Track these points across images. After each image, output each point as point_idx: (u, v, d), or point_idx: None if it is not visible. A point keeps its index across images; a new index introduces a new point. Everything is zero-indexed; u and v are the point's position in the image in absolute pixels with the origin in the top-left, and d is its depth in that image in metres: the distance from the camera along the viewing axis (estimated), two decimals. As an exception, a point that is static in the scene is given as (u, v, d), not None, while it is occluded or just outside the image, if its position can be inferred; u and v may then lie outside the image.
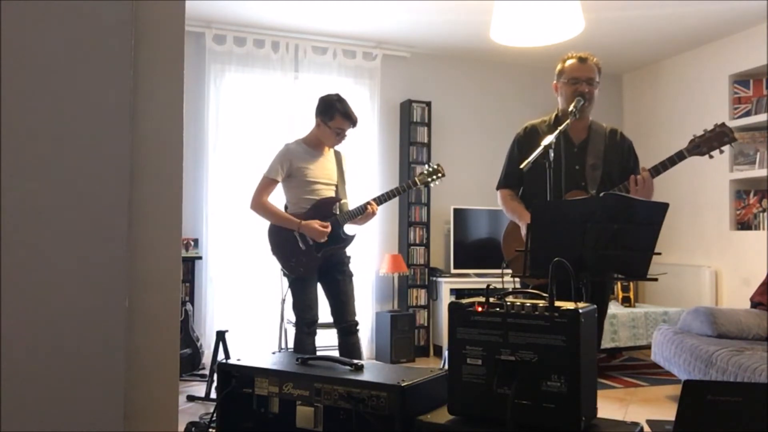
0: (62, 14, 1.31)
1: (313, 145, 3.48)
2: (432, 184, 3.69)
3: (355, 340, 3.45)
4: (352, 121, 3.44)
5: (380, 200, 3.51)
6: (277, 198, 3.52)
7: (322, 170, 3.45)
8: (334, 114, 3.41)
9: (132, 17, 1.37)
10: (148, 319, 1.40)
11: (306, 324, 3.38)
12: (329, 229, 3.35)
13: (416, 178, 3.63)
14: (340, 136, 3.44)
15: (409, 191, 3.71)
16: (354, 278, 3.54)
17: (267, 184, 3.44)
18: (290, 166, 3.41)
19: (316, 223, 3.33)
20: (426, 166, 3.71)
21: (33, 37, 1.29)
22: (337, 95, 3.50)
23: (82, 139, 1.32)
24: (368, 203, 3.45)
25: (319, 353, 3.32)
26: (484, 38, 5.07)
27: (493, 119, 6.18)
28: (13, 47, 1.27)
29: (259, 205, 3.44)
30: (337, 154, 3.57)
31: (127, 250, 1.35)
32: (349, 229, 3.50)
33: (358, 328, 3.47)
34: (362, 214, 3.45)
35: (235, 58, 5.35)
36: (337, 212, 3.43)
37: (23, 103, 1.28)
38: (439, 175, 3.65)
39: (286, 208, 3.50)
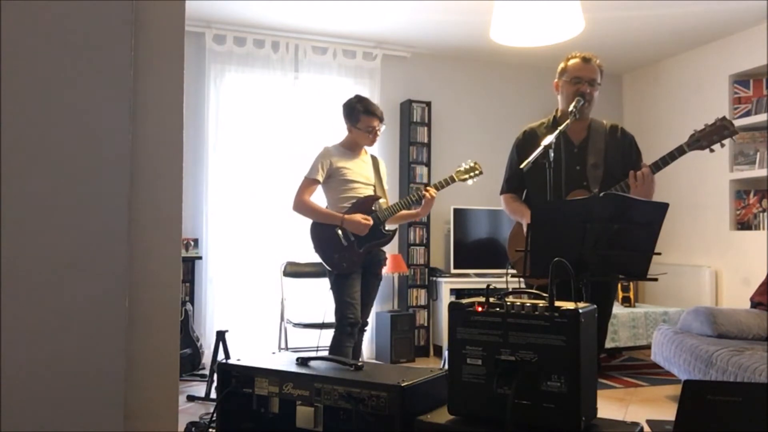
0: (62, 14, 1.31)
1: (350, 147, 3.57)
2: (470, 182, 3.65)
3: (361, 338, 3.59)
4: (377, 116, 3.52)
5: (437, 187, 3.54)
6: (317, 201, 3.58)
7: (361, 170, 3.54)
8: (358, 116, 3.50)
9: (132, 17, 1.37)
10: (148, 319, 1.41)
11: (349, 324, 3.41)
12: (371, 223, 3.41)
13: (453, 175, 3.62)
14: (372, 133, 3.52)
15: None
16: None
17: (308, 185, 3.50)
18: (330, 167, 3.48)
19: (358, 216, 3.40)
20: (463, 163, 3.68)
21: (33, 37, 1.29)
22: (357, 97, 3.59)
23: (82, 140, 1.32)
24: (425, 189, 3.48)
25: (316, 353, 3.34)
26: (484, 38, 5.07)
27: (493, 119, 6.18)
28: (14, 47, 1.27)
29: (302, 204, 3.48)
30: (374, 160, 3.66)
31: (127, 250, 1.35)
32: (389, 225, 3.56)
33: (367, 327, 3.61)
34: (411, 204, 3.50)
35: (235, 58, 5.35)
36: (377, 209, 3.49)
37: (23, 103, 1.28)
38: (477, 172, 3.64)
39: None
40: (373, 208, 3.49)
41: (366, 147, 3.62)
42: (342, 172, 3.48)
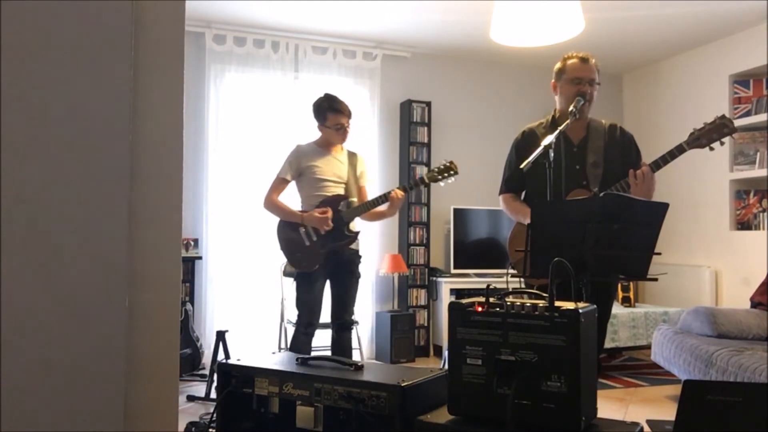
0: (62, 14, 1.31)
1: (324, 145, 3.57)
2: (443, 183, 3.53)
3: (349, 336, 3.56)
4: (344, 113, 3.50)
5: (404, 189, 3.49)
6: (294, 199, 3.59)
7: (332, 168, 3.52)
8: (325, 114, 3.51)
9: (132, 17, 1.37)
10: (148, 319, 1.40)
11: (303, 324, 3.45)
12: (329, 214, 3.38)
13: (425, 176, 3.54)
14: (340, 131, 3.51)
15: (413, 190, 3.62)
16: (361, 279, 3.61)
17: (277, 183, 3.53)
18: (299, 165, 3.50)
19: (315, 212, 3.39)
20: (439, 163, 3.58)
21: (33, 37, 1.29)
22: (325, 95, 3.59)
23: (82, 140, 1.32)
24: (391, 191, 3.43)
25: (315, 353, 3.34)
26: (484, 38, 5.07)
27: (493, 119, 6.18)
28: (13, 47, 1.27)
29: (269, 202, 3.52)
30: (353, 156, 3.63)
31: (127, 250, 1.35)
32: (355, 225, 3.53)
33: (353, 326, 3.57)
34: (378, 204, 3.46)
35: (235, 58, 5.35)
36: (343, 209, 3.47)
37: (23, 103, 1.28)
38: (452, 172, 3.51)
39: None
40: (339, 208, 3.47)
41: (349, 143, 3.60)
42: (313, 171, 3.48)
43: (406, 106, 5.82)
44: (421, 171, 5.77)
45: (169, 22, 1.44)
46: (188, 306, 4.90)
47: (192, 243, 5.20)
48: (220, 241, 5.25)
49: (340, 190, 3.50)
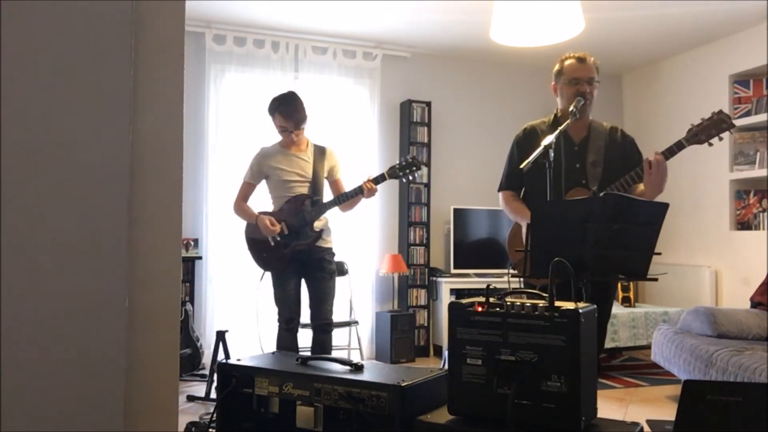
0: (62, 14, 1.31)
1: (287, 145, 3.54)
2: (404, 178, 3.54)
3: (327, 339, 3.48)
4: (288, 118, 3.42)
5: (376, 181, 3.46)
6: (265, 201, 3.60)
7: (295, 167, 3.50)
8: (273, 113, 3.48)
9: (132, 17, 1.37)
10: (148, 319, 1.40)
11: (284, 320, 3.45)
12: (277, 229, 3.40)
13: (385, 173, 3.51)
14: (284, 134, 3.47)
15: (378, 184, 3.53)
16: (336, 276, 3.57)
17: (243, 188, 3.59)
18: (262, 168, 3.52)
19: (267, 220, 3.41)
20: (402, 158, 3.56)
21: (33, 37, 1.29)
22: (287, 93, 3.53)
23: (82, 139, 1.32)
24: (363, 183, 3.42)
25: (302, 353, 3.33)
26: (484, 38, 5.07)
27: (493, 119, 6.18)
28: (14, 47, 1.27)
29: (235, 207, 3.59)
30: (320, 151, 3.57)
31: (127, 250, 1.35)
32: (324, 224, 3.51)
33: (330, 327, 3.49)
34: (347, 199, 3.44)
35: (235, 58, 5.35)
36: (308, 208, 3.45)
37: (23, 103, 1.28)
38: (414, 168, 3.50)
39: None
40: (304, 207, 3.46)
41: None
42: (277, 173, 3.48)
43: (406, 106, 5.82)
44: (422, 171, 5.77)
45: (169, 22, 1.44)
46: (188, 306, 4.90)
47: (192, 243, 5.19)
48: (220, 241, 5.24)
49: (305, 189, 3.48)
